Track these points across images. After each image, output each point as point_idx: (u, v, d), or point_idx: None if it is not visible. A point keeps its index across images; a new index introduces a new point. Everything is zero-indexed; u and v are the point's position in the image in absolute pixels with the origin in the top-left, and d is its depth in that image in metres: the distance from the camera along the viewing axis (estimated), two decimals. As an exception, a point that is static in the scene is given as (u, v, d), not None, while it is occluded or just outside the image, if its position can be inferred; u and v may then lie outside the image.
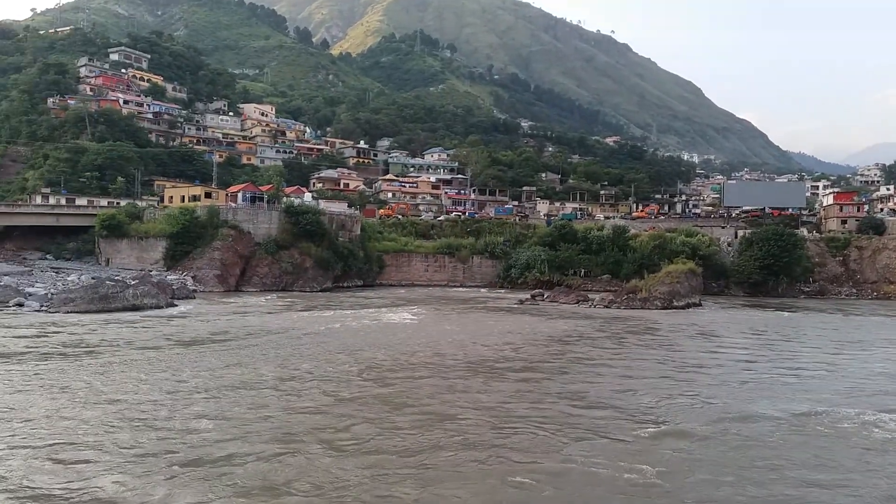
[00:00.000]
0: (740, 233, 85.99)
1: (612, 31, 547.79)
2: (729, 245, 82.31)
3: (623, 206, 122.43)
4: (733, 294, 74.26)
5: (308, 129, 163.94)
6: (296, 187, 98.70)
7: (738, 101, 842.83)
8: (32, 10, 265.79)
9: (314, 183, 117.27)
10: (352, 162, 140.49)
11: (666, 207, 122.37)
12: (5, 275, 59.21)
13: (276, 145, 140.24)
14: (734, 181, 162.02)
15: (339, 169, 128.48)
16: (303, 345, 32.52)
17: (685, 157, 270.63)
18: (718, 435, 17.85)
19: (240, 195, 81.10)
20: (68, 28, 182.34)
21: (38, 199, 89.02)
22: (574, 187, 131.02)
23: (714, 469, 15.16)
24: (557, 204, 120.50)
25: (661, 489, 13.86)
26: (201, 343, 32.24)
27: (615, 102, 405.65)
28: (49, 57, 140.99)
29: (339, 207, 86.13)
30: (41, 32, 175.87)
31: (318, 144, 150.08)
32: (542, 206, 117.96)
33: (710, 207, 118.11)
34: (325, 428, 17.62)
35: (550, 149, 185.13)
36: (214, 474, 13.94)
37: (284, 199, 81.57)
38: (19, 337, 32.57)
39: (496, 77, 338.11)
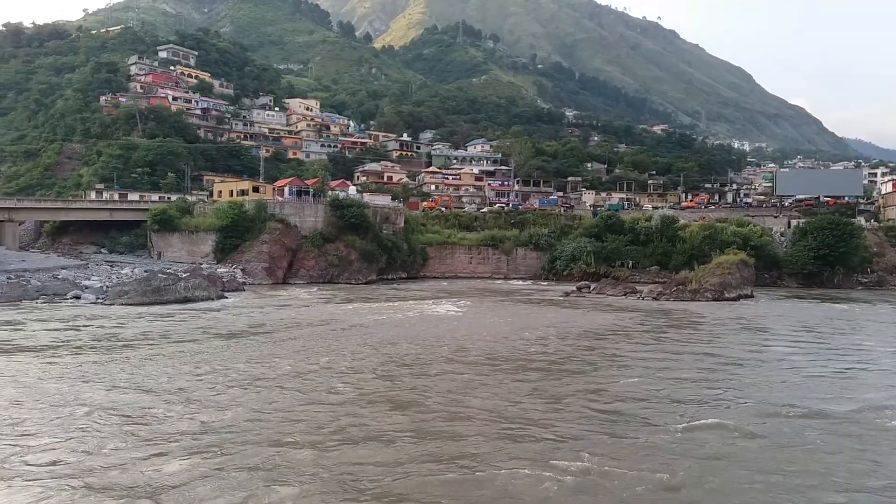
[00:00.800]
0: (793, 222, 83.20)
1: (659, 18, 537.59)
2: (782, 235, 79.68)
3: (672, 196, 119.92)
4: (786, 285, 71.92)
5: (352, 123, 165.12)
6: (340, 181, 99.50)
7: (791, 86, 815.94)
8: (84, 10, 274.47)
9: (358, 176, 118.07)
10: (395, 155, 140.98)
11: (716, 197, 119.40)
12: (63, 268, 61.16)
13: (321, 139, 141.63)
14: (787, 169, 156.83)
15: (382, 162, 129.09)
16: (340, 337, 32.58)
17: (735, 145, 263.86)
18: (750, 436, 16.79)
19: (286, 189, 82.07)
20: (119, 27, 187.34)
21: (93, 195, 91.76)
22: (621, 177, 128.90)
23: (747, 474, 14.18)
24: (604, 194, 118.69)
25: (684, 496, 13.12)
26: (243, 335, 32.66)
27: (662, 90, 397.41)
28: (101, 56, 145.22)
29: (382, 200, 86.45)
30: (93, 32, 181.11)
31: (361, 138, 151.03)
32: (588, 197, 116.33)
33: (762, 196, 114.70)
34: (303, 431, 16.75)
35: (596, 138, 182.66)
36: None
37: (329, 192, 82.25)
38: (77, 328, 33.56)
39: (540, 66, 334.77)
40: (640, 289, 60.07)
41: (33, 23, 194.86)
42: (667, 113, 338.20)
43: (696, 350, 30.46)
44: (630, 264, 77.24)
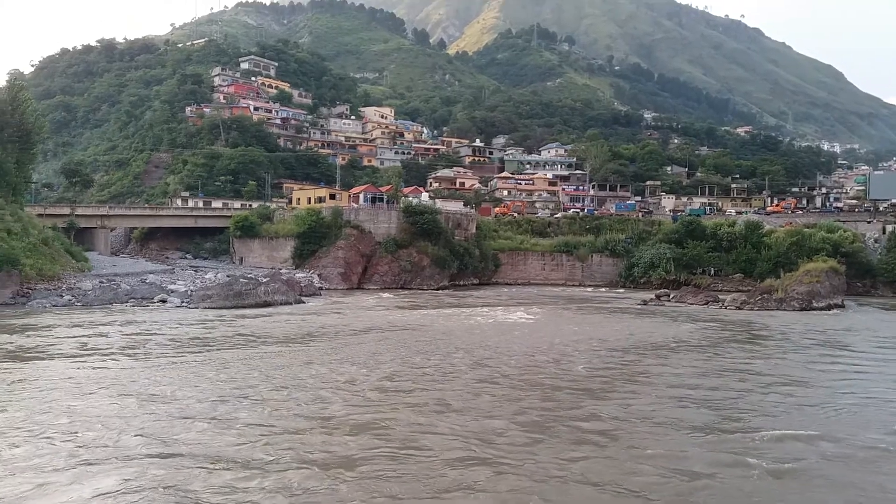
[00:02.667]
0: (889, 228, 77.97)
1: (742, 16, 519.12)
2: (876, 241, 74.84)
3: (756, 201, 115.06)
4: (881, 294, 67.46)
5: (425, 130, 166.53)
6: (413, 187, 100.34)
7: (886, 84, 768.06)
8: (172, 25, 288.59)
9: (431, 182, 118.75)
10: (467, 160, 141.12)
11: (804, 201, 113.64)
12: (151, 273, 64.02)
13: (395, 146, 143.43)
14: (881, 172, 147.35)
15: (454, 168, 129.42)
16: (403, 343, 32.58)
17: (825, 147, 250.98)
18: (796, 471, 14.91)
19: (361, 196, 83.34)
20: (203, 40, 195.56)
21: (178, 203, 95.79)
22: (702, 181, 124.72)
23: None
24: (684, 199, 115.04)
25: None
26: (310, 339, 33.26)
27: (746, 90, 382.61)
28: (186, 68, 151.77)
29: (455, 206, 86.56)
30: (179, 46, 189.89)
31: (434, 144, 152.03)
32: (668, 202, 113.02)
33: (854, 201, 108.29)
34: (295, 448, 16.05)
35: (676, 141, 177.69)
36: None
37: (403, 198, 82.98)
38: (164, 331, 34.86)
39: (616, 68, 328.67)
40: (723, 297, 57.62)
41: (125, 38, 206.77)
42: (751, 114, 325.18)
43: (754, 369, 27.79)
44: (712, 272, 74.43)
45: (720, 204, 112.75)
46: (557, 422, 18.52)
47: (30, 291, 47.46)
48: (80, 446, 15.71)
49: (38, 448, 15.61)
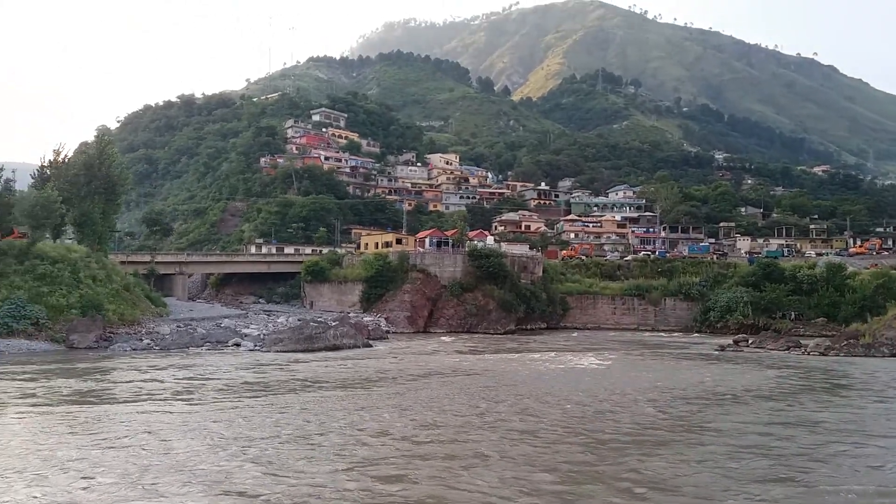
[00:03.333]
0: None
1: (815, 54, 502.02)
2: (973, 283, 70.07)
3: (837, 242, 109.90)
4: (983, 340, 62.67)
5: (490, 175, 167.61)
6: (478, 231, 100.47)
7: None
8: (247, 80, 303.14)
9: (496, 226, 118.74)
10: (532, 204, 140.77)
11: (889, 242, 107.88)
12: (225, 317, 65.80)
13: (460, 191, 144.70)
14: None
15: (520, 211, 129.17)
16: (461, 389, 32.00)
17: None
18: None
19: (427, 240, 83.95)
20: (276, 94, 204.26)
21: (252, 249, 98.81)
22: (778, 222, 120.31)
23: None
24: (760, 240, 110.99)
25: None
26: (370, 384, 33.21)
27: (822, 129, 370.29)
28: (261, 121, 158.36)
29: (520, 249, 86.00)
30: (254, 100, 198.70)
31: (499, 188, 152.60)
32: (743, 243, 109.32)
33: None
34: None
35: (749, 181, 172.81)
36: None
37: (468, 242, 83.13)
38: (231, 375, 35.51)
39: (685, 109, 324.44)
40: (805, 342, 54.70)
41: (203, 94, 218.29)
42: (828, 153, 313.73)
43: (827, 420, 25.82)
44: (792, 316, 71.02)
45: (798, 245, 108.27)
46: (594, 479, 17.43)
47: (112, 335, 49.38)
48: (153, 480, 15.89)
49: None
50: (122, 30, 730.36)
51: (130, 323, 54.33)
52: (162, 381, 32.39)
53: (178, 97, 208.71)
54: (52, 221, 56.25)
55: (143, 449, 19.48)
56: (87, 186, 61.03)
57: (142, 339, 49.33)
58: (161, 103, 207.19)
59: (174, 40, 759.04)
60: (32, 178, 63.94)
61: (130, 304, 58.08)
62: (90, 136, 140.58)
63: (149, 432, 21.56)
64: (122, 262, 69.62)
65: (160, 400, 27.74)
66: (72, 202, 59.46)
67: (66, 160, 64.60)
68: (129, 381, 32.39)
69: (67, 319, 48.51)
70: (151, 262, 78.84)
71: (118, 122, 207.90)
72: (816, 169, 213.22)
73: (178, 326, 56.26)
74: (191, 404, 26.93)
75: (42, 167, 63.76)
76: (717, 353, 52.93)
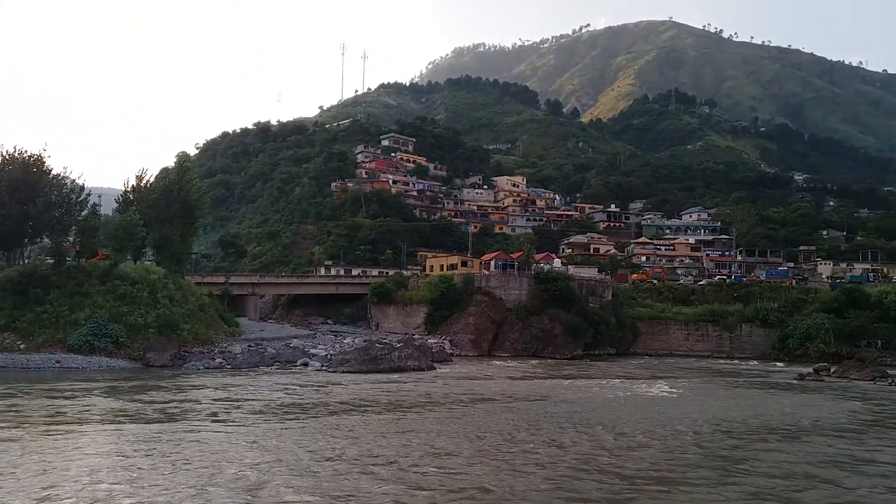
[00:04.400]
0: None
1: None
2: None
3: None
4: None
5: (557, 197, 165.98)
6: (545, 253, 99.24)
7: None
8: (320, 107, 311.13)
9: (563, 248, 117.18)
10: (602, 226, 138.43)
11: None
12: (294, 337, 67.13)
13: (527, 214, 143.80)
14: None
15: (588, 234, 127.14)
16: (516, 416, 31.40)
17: None
18: None
19: (492, 263, 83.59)
20: (348, 120, 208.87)
21: (322, 271, 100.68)
22: (863, 245, 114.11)
23: None
24: (843, 265, 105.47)
25: None
26: (423, 407, 33.11)
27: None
28: (333, 147, 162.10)
29: (588, 272, 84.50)
30: (326, 126, 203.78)
31: (567, 210, 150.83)
32: (824, 268, 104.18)
33: None
34: None
35: (831, 203, 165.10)
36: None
37: (534, 265, 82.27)
38: (296, 395, 36.04)
39: (762, 129, 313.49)
40: (893, 373, 51.46)
41: (278, 121, 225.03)
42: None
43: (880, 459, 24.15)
44: (879, 344, 67.10)
45: (885, 270, 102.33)
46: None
47: (186, 354, 51.04)
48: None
49: None
50: (124, 31, 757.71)
51: (204, 342, 56.05)
52: (228, 400, 33.17)
53: (255, 124, 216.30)
54: (133, 244, 58.94)
55: (202, 467, 19.96)
56: (167, 210, 63.76)
57: (214, 359, 50.79)
58: (238, 130, 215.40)
59: (249, 69, 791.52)
60: (116, 202, 67.29)
61: (205, 323, 59.98)
62: (170, 162, 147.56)
63: (202, 451, 22.12)
64: (198, 283, 72.02)
65: (220, 419, 28.31)
66: (152, 225, 62.16)
67: (148, 185, 67.70)
68: (197, 400, 33.32)
69: (145, 338, 50.48)
70: (225, 283, 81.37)
71: (197, 148, 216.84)
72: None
73: (250, 346, 57.71)
74: (238, 424, 27.34)
75: (125, 192, 67.01)
76: (796, 382, 50.41)
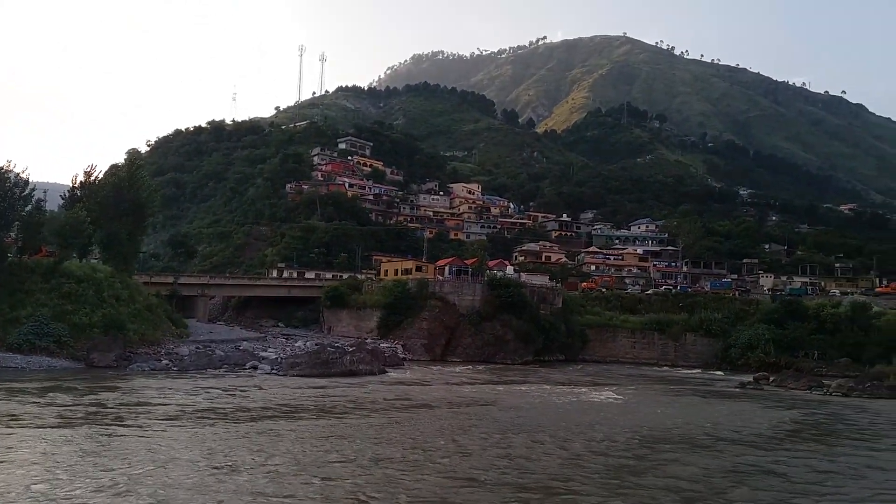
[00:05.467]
0: None
1: (843, 92, 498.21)
2: None
3: (863, 281, 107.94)
4: None
5: (511, 205, 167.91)
6: (498, 260, 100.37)
7: None
8: (276, 108, 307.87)
9: (516, 256, 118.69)
10: (554, 235, 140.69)
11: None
12: (244, 340, 66.32)
13: (481, 221, 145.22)
14: None
15: (540, 242, 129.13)
16: (495, 420, 31.90)
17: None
18: None
19: (447, 268, 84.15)
20: (305, 122, 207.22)
21: (274, 273, 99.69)
22: (803, 259, 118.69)
23: None
24: (784, 278, 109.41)
25: None
26: (367, 412, 33.21)
27: (850, 167, 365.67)
28: (288, 148, 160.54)
29: (540, 280, 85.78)
30: (283, 127, 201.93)
31: (520, 219, 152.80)
32: (766, 280, 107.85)
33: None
34: None
35: (774, 218, 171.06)
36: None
37: (487, 271, 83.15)
38: (238, 399, 35.79)
39: (710, 144, 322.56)
40: (827, 382, 53.88)
41: (233, 120, 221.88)
42: (855, 191, 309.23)
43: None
44: (815, 355, 69.85)
45: (823, 284, 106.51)
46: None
47: (132, 355, 49.94)
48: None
49: None
50: (123, 31, 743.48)
51: (151, 343, 54.95)
52: (167, 404, 32.51)
53: (209, 123, 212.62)
54: (79, 241, 57.51)
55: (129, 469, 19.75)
56: (116, 208, 62.27)
57: (161, 360, 49.87)
58: (192, 129, 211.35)
59: (206, 68, 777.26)
60: (62, 198, 65.46)
61: (152, 324, 58.79)
62: (120, 159, 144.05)
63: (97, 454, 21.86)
64: (146, 283, 70.58)
65: (155, 421, 27.85)
66: (100, 223, 60.66)
67: (97, 181, 66.07)
68: (137, 403, 32.60)
69: (89, 338, 49.25)
70: (174, 284, 79.82)
71: (148, 145, 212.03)
72: (843, 207, 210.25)
73: (198, 348, 56.82)
74: (174, 427, 26.83)
75: (73, 188, 65.30)
76: (737, 390, 52.23)
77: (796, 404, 43.42)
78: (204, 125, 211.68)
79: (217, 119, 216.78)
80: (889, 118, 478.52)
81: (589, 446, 26.64)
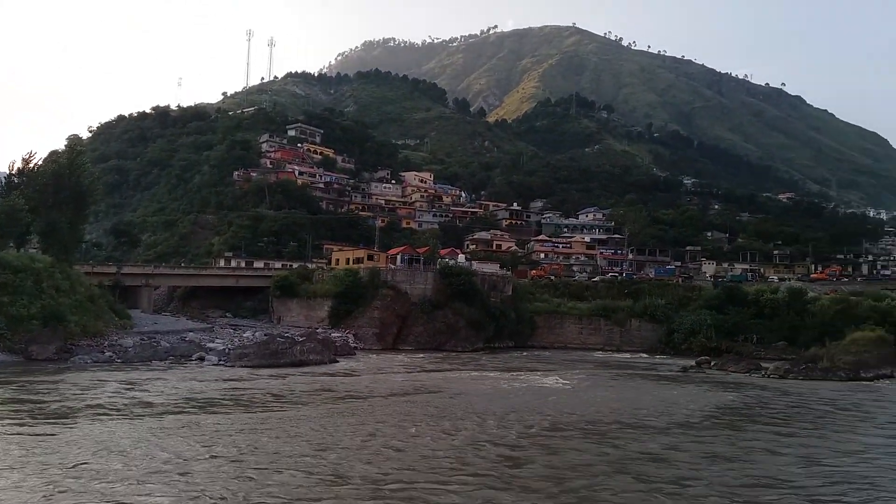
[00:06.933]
0: (942, 297, 75.24)
1: (783, 84, 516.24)
2: (928, 310, 72.26)
3: (800, 268, 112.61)
4: (935, 366, 64.50)
5: (463, 194, 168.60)
6: (450, 249, 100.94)
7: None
8: (223, 93, 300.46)
9: (468, 244, 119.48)
10: (505, 224, 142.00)
11: (850, 269, 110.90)
12: (190, 331, 65.17)
13: (433, 209, 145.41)
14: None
15: (492, 231, 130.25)
16: (443, 407, 32.39)
17: (871, 214, 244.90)
18: None
19: (398, 257, 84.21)
20: (253, 108, 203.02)
21: (222, 263, 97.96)
22: (743, 247, 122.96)
23: None
24: (725, 265, 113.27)
25: None
26: (317, 401, 33.18)
27: (788, 157, 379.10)
28: (236, 135, 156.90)
29: (491, 268, 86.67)
30: (230, 113, 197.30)
31: (472, 207, 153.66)
32: (708, 267, 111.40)
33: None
34: None
35: (716, 207, 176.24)
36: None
37: (439, 260, 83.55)
38: (211, 388, 35.33)
39: (656, 135, 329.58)
40: (766, 365, 56.11)
41: (178, 106, 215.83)
42: (793, 181, 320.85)
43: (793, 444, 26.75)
44: (754, 339, 72.50)
45: (762, 270, 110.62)
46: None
47: (73, 347, 48.71)
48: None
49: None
50: (123, 29, 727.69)
51: (93, 335, 53.60)
52: (110, 397, 31.93)
53: (153, 108, 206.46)
54: (16, 230, 55.60)
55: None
56: (56, 196, 60.35)
57: (104, 352, 48.76)
58: (135, 114, 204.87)
59: (151, 52, 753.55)
60: (-1, 185, 63.09)
61: (94, 315, 57.29)
62: (60, 145, 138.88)
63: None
64: (88, 273, 68.49)
65: (101, 416, 27.36)
66: (39, 211, 58.77)
67: (36, 168, 63.80)
68: (76, 397, 31.80)
69: (27, 330, 47.77)
70: (117, 274, 77.77)
71: (90, 131, 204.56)
72: (781, 196, 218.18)
73: (142, 339, 55.70)
74: (119, 422, 26.39)
75: (10, 175, 62.93)
76: (680, 374, 53.90)
77: (733, 387, 44.97)
78: (148, 111, 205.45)
79: (162, 105, 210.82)
80: (826, 110, 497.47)
81: (499, 431, 26.49)
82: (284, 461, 21.01)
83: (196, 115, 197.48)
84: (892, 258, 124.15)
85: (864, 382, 48.60)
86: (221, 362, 48.55)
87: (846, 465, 23.20)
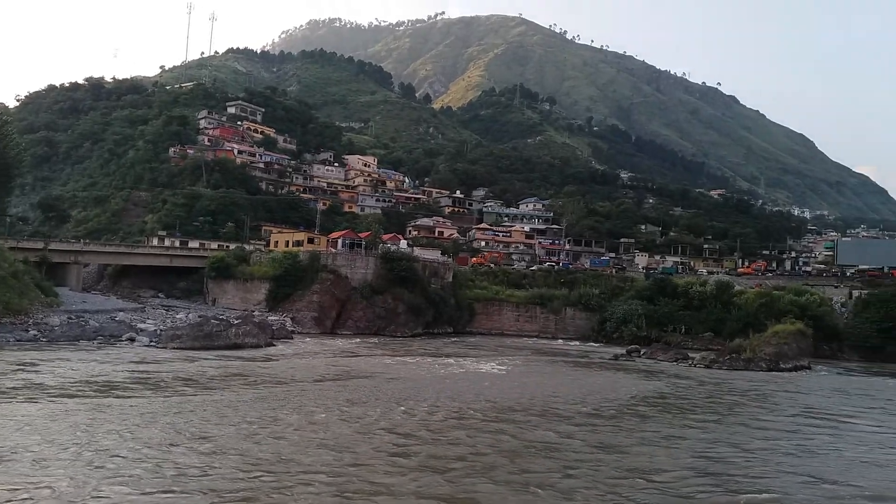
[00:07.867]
0: (855, 293, 79.81)
1: (719, 84, 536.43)
2: (843, 306, 76.52)
3: (728, 262, 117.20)
4: (847, 358, 68.50)
5: (407, 180, 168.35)
6: (393, 234, 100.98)
7: (855, 153, 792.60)
8: (161, 67, 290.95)
9: (410, 231, 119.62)
10: (447, 211, 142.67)
11: (774, 264, 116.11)
12: (121, 311, 63.25)
13: (377, 194, 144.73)
14: (849, 238, 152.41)
15: (434, 217, 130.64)
16: (378, 391, 32.66)
17: (795, 212, 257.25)
18: None
19: (340, 241, 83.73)
20: (192, 83, 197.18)
21: (155, 241, 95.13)
22: (675, 240, 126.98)
23: None
24: (657, 257, 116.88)
25: None
26: (281, 385, 33.12)
27: (721, 155, 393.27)
28: (173, 110, 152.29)
29: (432, 255, 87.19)
30: (167, 88, 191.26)
31: (415, 194, 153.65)
32: (641, 259, 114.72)
33: (822, 266, 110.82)
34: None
35: (651, 201, 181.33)
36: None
37: (381, 245, 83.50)
38: (125, 370, 34.54)
39: (595, 129, 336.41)
40: (693, 355, 58.44)
41: (113, 78, 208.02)
42: (724, 178, 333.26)
43: (721, 427, 28.42)
44: (682, 329, 75.25)
45: (692, 263, 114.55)
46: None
47: (-5, 324, 46.72)
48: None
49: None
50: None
51: (17, 312, 51.39)
52: (35, 376, 30.95)
53: (86, 79, 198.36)
54: (-67, 201, 52.74)
55: None
56: (-23, 166, 57.57)
57: (28, 331, 46.96)
58: (67, 84, 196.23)
59: (84, 20, 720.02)
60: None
61: (18, 292, 54.91)
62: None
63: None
64: (12, 248, 65.38)
65: (20, 397, 26.49)
66: (-42, 182, 55.92)
67: (-46, 137, 60.65)
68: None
69: (-55, 306, 45.59)
70: (44, 250, 74.56)
71: (17, 100, 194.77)
72: (713, 192, 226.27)
73: (70, 318, 53.80)
74: (33, 403, 25.35)
75: (-74, 143, 59.63)
76: (611, 361, 55.68)
77: (657, 376, 46.68)
78: (81, 81, 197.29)
79: (96, 76, 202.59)
80: (757, 111, 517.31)
81: (390, 420, 26.04)
82: (146, 451, 19.55)
83: (132, 88, 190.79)
84: (813, 255, 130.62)
85: (783, 373, 51.25)
86: (153, 343, 47.49)
87: (731, 456, 22.94)
